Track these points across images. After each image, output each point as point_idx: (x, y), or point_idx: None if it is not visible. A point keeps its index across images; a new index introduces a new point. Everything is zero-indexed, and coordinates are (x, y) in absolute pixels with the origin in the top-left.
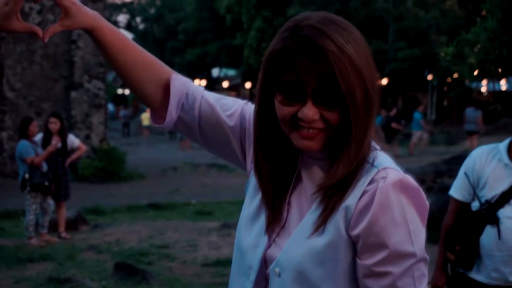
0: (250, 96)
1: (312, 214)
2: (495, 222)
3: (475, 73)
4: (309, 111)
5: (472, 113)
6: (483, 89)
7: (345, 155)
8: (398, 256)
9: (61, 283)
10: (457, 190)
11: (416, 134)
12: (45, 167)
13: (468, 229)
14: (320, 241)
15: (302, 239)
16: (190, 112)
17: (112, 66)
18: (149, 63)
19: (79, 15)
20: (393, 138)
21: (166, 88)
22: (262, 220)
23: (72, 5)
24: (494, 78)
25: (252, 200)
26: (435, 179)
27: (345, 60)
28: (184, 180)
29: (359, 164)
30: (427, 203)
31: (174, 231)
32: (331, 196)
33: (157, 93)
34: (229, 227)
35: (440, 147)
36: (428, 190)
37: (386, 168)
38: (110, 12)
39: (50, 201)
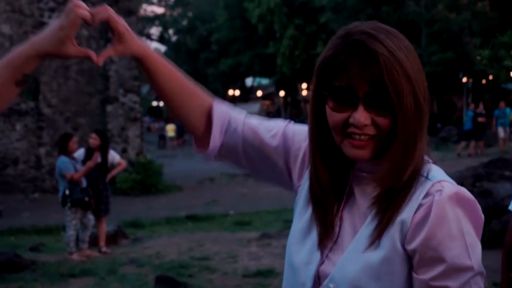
0: (284, 104)
1: (366, 228)
2: None
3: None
4: (361, 116)
5: None
6: None
7: (393, 162)
8: (456, 270)
9: None
10: None
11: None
12: (84, 183)
13: None
14: (375, 255)
15: (357, 253)
16: (233, 137)
17: (158, 93)
18: (193, 91)
19: (132, 42)
20: (482, 134)
21: (208, 115)
22: (313, 236)
23: (126, 31)
24: None
25: (302, 215)
26: (474, 183)
27: (396, 65)
28: (222, 191)
29: (413, 176)
30: (482, 215)
31: (213, 242)
32: (386, 210)
33: (200, 121)
34: (268, 236)
35: (477, 150)
36: None
37: (441, 181)
38: (143, 25)
39: (90, 216)
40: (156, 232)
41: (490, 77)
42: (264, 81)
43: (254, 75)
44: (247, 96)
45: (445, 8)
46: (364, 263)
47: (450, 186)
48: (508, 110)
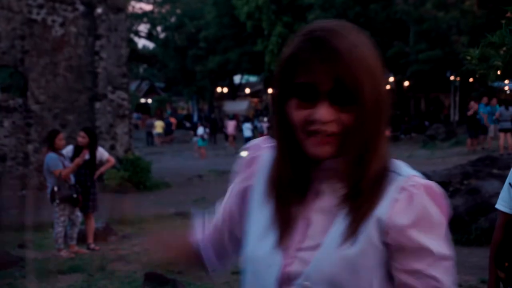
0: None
1: (340, 225)
2: None
3: (499, 73)
4: (324, 112)
5: (505, 112)
6: (506, 88)
7: (356, 158)
8: (439, 259)
9: None
10: (503, 202)
11: None
12: (72, 179)
13: None
14: (352, 251)
15: (333, 250)
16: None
17: None
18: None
19: None
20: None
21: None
22: (273, 237)
23: None
24: None
25: (258, 216)
26: (462, 181)
27: (359, 60)
28: (210, 188)
29: (381, 171)
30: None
31: None
32: (359, 207)
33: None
34: None
35: (465, 148)
36: (455, 192)
37: (413, 176)
38: (131, 21)
39: (79, 213)
40: (145, 229)
41: (478, 76)
42: (253, 79)
43: (242, 73)
44: (235, 93)
45: (433, 7)
46: (341, 259)
47: (423, 181)
48: (497, 107)
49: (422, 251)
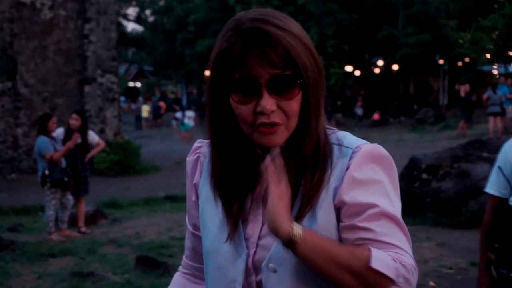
0: None
1: (295, 206)
2: None
3: (489, 57)
4: (267, 102)
5: (494, 95)
6: (495, 72)
7: (305, 138)
8: (381, 215)
9: (84, 277)
10: (492, 185)
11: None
12: (63, 163)
13: (505, 224)
14: (310, 225)
15: None
16: None
17: None
18: None
19: None
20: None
21: None
22: (236, 231)
23: None
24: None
25: (212, 213)
26: (452, 164)
27: (295, 40)
28: None
29: (324, 146)
30: (396, 170)
31: None
32: (307, 184)
33: None
34: None
35: (454, 131)
36: (445, 176)
37: (359, 145)
38: (120, 5)
39: (70, 197)
40: (135, 212)
41: (467, 60)
42: None
43: None
44: None
45: None
46: None
47: (367, 145)
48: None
49: (359, 207)
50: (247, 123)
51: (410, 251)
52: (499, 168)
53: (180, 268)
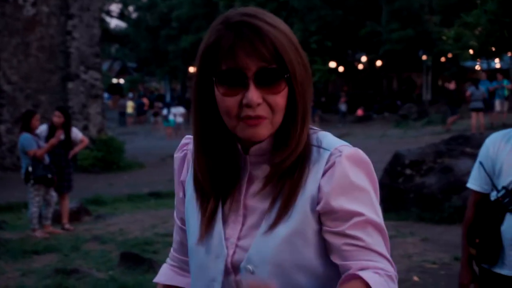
0: None
1: (273, 208)
2: None
3: (472, 53)
4: (253, 95)
5: (476, 91)
6: (477, 67)
7: (290, 135)
8: (361, 222)
9: (68, 274)
10: (474, 181)
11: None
12: (47, 160)
13: (486, 219)
14: (286, 230)
15: (269, 232)
16: None
17: None
18: None
19: None
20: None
21: None
22: (214, 230)
23: None
24: (493, 58)
25: (194, 210)
26: (435, 159)
27: (282, 36)
28: None
29: (305, 147)
30: (376, 176)
31: None
32: (286, 185)
33: None
34: None
35: (437, 127)
36: (428, 171)
37: (337, 147)
38: (103, 1)
39: (53, 193)
40: (119, 209)
41: (450, 55)
42: None
43: None
44: None
45: None
46: (278, 239)
47: (347, 149)
48: (505, 82)
49: (345, 214)
50: (232, 115)
51: (390, 257)
52: (480, 163)
53: (168, 260)
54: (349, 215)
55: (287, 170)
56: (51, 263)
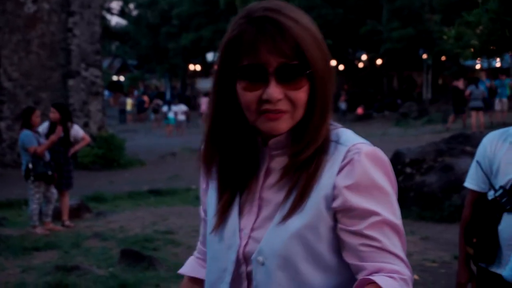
0: None
1: (289, 199)
2: None
3: (473, 51)
4: (274, 91)
5: (476, 90)
6: (478, 67)
7: (311, 130)
8: (378, 222)
9: (68, 271)
10: (471, 180)
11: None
12: (47, 156)
13: (484, 219)
14: (298, 223)
15: (282, 224)
16: None
17: None
18: None
19: None
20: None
21: None
22: (229, 221)
23: None
24: (494, 57)
25: (212, 201)
26: (435, 158)
27: (305, 32)
28: (184, 166)
29: (324, 142)
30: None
31: (177, 216)
32: (302, 179)
33: None
34: None
35: (437, 126)
36: (429, 169)
37: (355, 144)
38: None
39: (53, 190)
40: (119, 206)
41: (453, 55)
42: None
43: (216, 50)
44: (208, 71)
45: None
46: (290, 232)
47: (366, 147)
48: (507, 80)
49: (363, 213)
50: (252, 110)
51: (406, 259)
52: (478, 162)
53: (195, 252)
54: (366, 214)
55: (304, 163)
56: (51, 260)
